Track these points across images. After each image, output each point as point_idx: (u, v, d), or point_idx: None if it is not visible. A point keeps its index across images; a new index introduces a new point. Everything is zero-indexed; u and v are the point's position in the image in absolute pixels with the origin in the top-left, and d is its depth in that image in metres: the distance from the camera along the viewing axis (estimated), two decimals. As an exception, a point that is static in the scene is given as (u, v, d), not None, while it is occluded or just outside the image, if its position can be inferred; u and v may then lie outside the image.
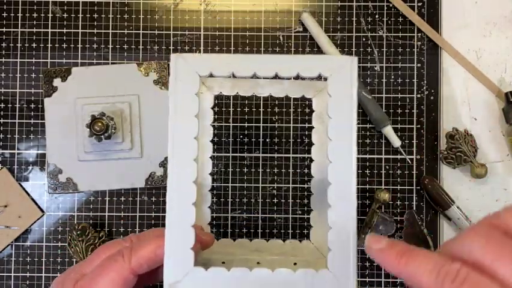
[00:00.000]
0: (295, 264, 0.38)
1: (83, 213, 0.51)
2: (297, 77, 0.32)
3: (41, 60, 0.52)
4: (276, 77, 0.32)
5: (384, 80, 0.52)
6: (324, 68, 0.32)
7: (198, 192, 0.39)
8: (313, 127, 0.42)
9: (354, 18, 0.52)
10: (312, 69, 0.32)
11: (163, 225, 0.30)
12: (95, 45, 0.52)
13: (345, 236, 0.30)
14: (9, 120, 0.52)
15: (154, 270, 0.32)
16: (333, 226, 0.31)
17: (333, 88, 0.32)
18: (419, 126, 0.52)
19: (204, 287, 0.30)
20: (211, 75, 0.32)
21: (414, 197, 0.51)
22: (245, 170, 0.52)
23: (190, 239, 0.30)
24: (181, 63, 0.32)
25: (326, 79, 0.32)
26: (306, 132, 0.52)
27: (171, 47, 0.52)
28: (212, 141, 0.40)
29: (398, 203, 0.51)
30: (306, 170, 0.51)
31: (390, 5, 0.52)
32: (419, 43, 0.52)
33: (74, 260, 0.50)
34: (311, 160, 0.42)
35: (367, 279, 0.51)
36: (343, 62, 0.32)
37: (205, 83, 0.40)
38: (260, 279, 0.30)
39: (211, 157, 0.42)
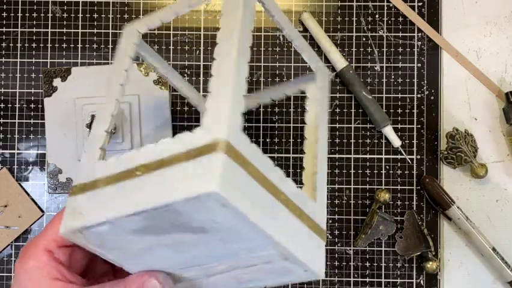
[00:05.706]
0: None
1: (83, 213, 0.51)
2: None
3: (41, 60, 0.52)
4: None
5: (384, 80, 0.52)
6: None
7: None
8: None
9: (354, 18, 0.52)
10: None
11: None
12: (95, 45, 0.52)
13: None
14: (9, 120, 0.52)
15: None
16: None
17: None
18: (419, 126, 0.52)
19: None
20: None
21: (414, 197, 0.51)
22: (245, 170, 0.52)
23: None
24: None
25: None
26: (306, 132, 0.52)
27: (171, 47, 0.52)
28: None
29: (398, 203, 0.51)
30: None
31: (390, 5, 0.52)
32: (419, 43, 0.52)
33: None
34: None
35: (367, 279, 0.51)
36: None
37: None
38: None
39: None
